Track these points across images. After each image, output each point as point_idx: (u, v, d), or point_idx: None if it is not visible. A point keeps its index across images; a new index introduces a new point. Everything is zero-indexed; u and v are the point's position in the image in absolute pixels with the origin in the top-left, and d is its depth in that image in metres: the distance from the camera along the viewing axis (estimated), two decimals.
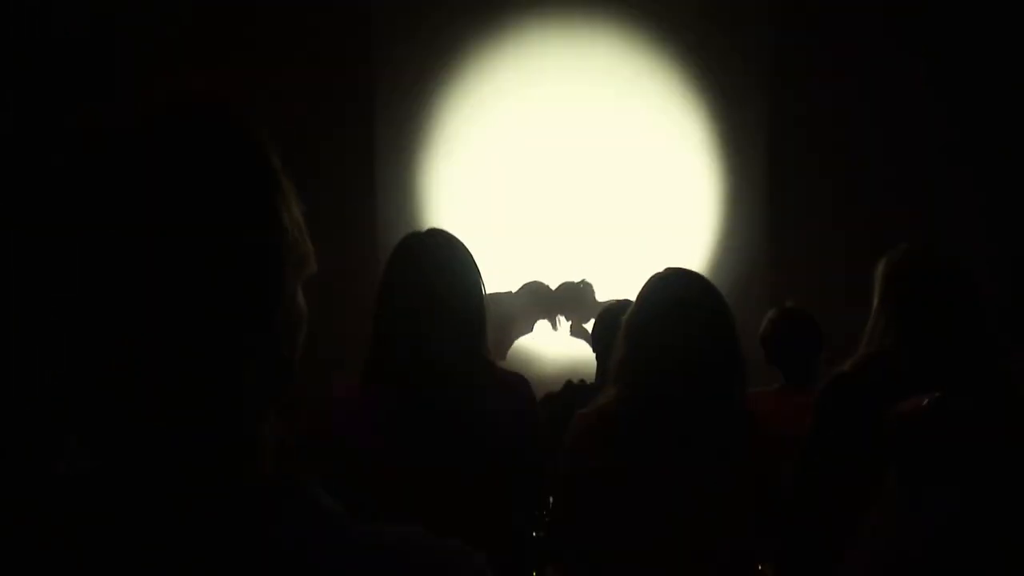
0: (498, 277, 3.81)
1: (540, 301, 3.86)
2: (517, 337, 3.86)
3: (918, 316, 1.82)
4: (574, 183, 4.24)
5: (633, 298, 1.84)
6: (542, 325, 3.84)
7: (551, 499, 1.99)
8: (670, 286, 1.79)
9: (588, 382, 2.71)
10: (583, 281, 3.85)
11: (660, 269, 1.85)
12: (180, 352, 0.56)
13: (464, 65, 4.28)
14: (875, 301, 1.90)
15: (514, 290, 3.94)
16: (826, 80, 4.18)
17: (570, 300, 3.81)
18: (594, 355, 2.72)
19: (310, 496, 0.61)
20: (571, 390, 2.70)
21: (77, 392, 0.56)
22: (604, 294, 3.62)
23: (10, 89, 3.34)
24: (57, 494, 0.57)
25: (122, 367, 0.56)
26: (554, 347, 3.91)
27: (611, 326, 2.17)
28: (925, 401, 1.19)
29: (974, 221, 3.97)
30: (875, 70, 4.13)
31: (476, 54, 4.27)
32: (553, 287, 3.97)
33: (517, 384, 1.81)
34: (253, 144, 0.62)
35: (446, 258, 1.72)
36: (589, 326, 3.59)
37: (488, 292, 1.78)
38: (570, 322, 3.79)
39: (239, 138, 0.62)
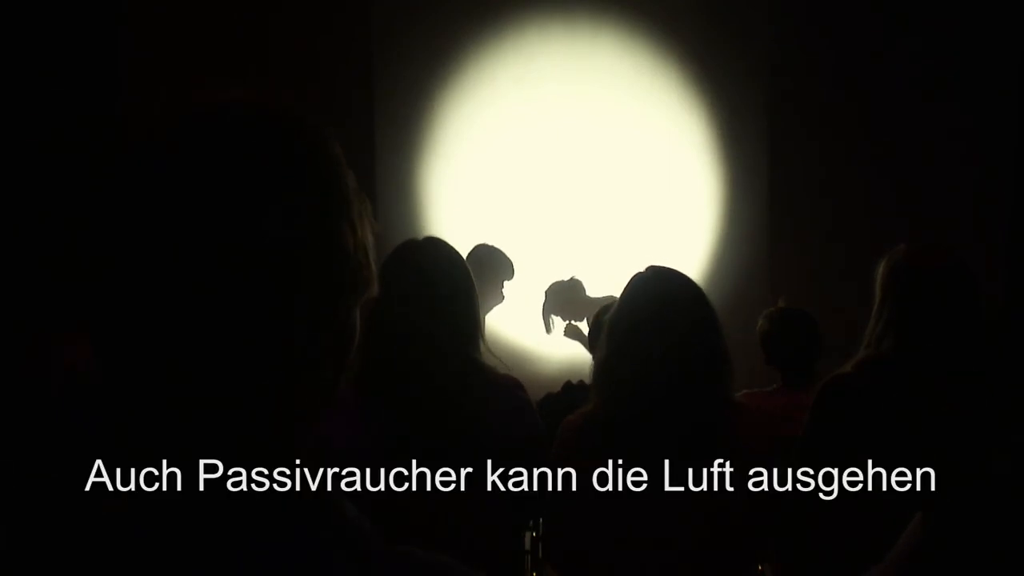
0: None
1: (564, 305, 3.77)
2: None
3: (918, 317, 1.81)
4: (574, 183, 4.24)
5: None
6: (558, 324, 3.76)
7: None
8: (653, 286, 1.79)
9: (587, 382, 2.71)
10: (572, 278, 3.72)
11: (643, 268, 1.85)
12: (204, 369, 0.55)
13: (464, 65, 4.27)
14: (875, 301, 1.90)
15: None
16: (826, 80, 4.18)
17: (561, 299, 3.72)
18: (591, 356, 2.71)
19: (336, 511, 0.60)
20: (570, 390, 2.70)
21: (99, 403, 0.56)
22: (603, 294, 3.60)
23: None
24: (76, 505, 0.57)
25: (142, 381, 0.56)
26: (553, 347, 3.89)
27: None
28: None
29: (974, 221, 3.97)
30: (875, 70, 4.12)
31: (476, 54, 4.27)
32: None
33: (510, 386, 1.81)
34: (325, 165, 0.60)
35: (437, 264, 1.74)
36: (582, 325, 3.58)
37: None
38: (566, 323, 3.71)
39: (311, 157, 0.60)
